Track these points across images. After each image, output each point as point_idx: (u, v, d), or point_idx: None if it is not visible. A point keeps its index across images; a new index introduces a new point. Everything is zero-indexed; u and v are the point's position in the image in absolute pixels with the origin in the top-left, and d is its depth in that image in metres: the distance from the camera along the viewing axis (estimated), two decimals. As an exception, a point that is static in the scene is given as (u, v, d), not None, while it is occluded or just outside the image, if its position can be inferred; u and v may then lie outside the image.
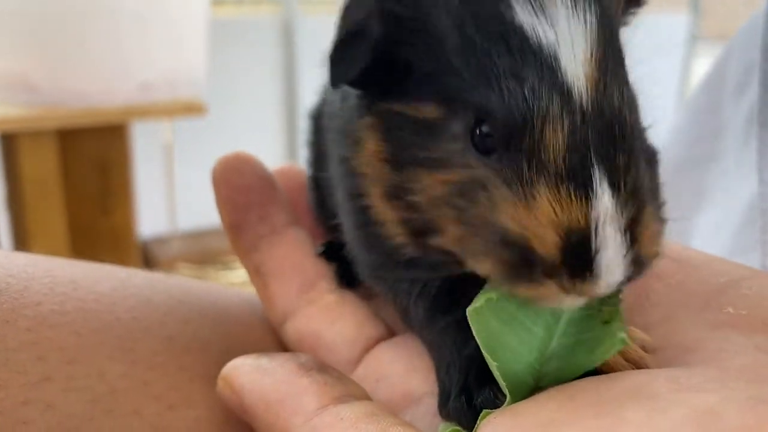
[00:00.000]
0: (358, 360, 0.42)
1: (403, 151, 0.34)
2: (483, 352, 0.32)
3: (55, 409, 0.38)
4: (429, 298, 0.38)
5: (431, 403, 0.36)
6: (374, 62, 0.34)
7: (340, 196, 0.41)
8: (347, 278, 0.46)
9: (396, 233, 0.35)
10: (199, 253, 2.80)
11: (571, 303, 0.31)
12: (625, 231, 0.29)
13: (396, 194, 0.34)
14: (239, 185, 0.46)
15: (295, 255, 0.46)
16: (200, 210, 2.93)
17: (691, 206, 0.56)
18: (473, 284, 0.33)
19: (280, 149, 3.19)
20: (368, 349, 0.42)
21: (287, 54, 3.07)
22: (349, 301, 0.45)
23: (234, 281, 2.64)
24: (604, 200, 0.29)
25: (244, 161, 0.46)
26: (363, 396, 0.37)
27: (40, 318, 0.41)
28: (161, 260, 2.70)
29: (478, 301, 0.33)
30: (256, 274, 0.46)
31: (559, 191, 0.29)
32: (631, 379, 0.31)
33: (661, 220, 0.32)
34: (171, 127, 2.62)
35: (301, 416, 0.34)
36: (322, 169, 0.47)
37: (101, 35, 1.71)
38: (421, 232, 0.34)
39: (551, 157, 0.29)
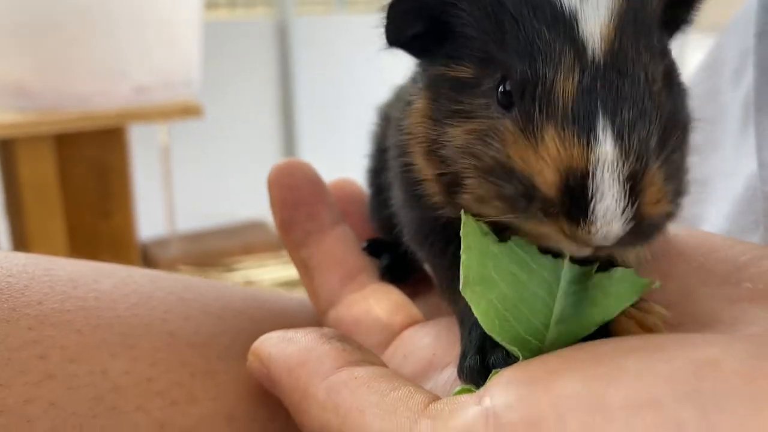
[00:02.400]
0: (390, 342, 0.43)
1: (442, 108, 0.36)
2: (479, 320, 0.34)
3: (58, 407, 0.38)
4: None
5: (453, 371, 0.37)
6: (424, 25, 0.37)
7: (392, 164, 0.44)
8: (389, 273, 0.49)
9: (433, 191, 0.38)
10: (199, 254, 2.80)
11: (573, 249, 0.32)
12: (626, 182, 0.30)
13: (433, 149, 0.37)
14: (290, 185, 0.49)
15: (339, 250, 0.48)
16: (199, 212, 2.94)
17: (694, 195, 0.56)
18: None
19: (276, 150, 3.19)
20: (401, 332, 0.44)
21: (282, 55, 3.07)
22: (387, 291, 0.47)
23: (235, 282, 2.64)
24: (606, 147, 0.30)
25: (295, 166, 0.50)
26: (380, 364, 0.38)
27: (42, 317, 0.41)
28: (161, 262, 2.70)
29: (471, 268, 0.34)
30: (303, 268, 0.48)
31: (564, 134, 0.31)
32: (637, 338, 0.32)
33: (671, 182, 0.32)
34: (168, 130, 2.61)
35: (319, 377, 0.36)
36: (381, 162, 0.49)
37: (95, 39, 1.71)
38: (451, 187, 0.36)
39: (560, 104, 0.31)
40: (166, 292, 0.48)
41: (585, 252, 0.32)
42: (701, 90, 0.63)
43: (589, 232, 0.30)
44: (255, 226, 3.06)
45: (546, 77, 0.32)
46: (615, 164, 0.30)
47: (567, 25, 0.32)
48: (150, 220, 2.66)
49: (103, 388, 0.40)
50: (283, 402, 0.39)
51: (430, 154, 0.37)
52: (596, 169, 0.30)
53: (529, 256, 0.34)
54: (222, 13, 3.03)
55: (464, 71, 0.36)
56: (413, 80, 0.43)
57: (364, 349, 0.39)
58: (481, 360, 0.35)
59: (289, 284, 2.59)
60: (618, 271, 0.34)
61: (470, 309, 0.37)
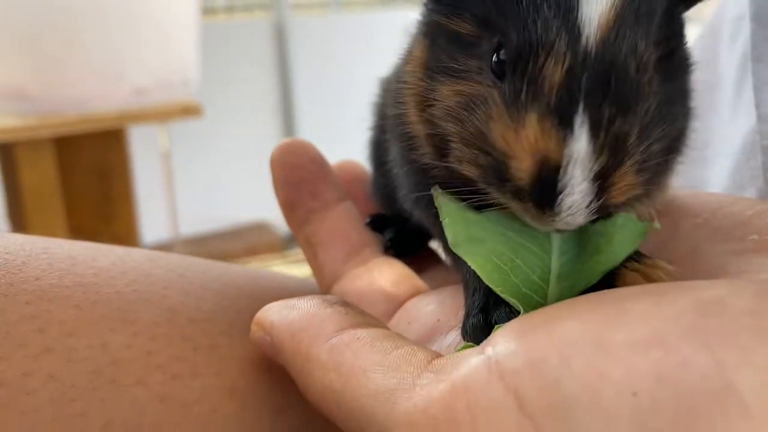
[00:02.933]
0: (394, 312, 0.43)
1: (438, 60, 0.36)
2: (478, 272, 0.34)
3: (57, 380, 0.38)
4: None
5: (458, 334, 0.37)
6: None
7: (388, 124, 0.44)
8: (394, 248, 0.49)
9: (426, 151, 0.38)
10: (203, 257, 2.79)
11: (538, 227, 0.33)
12: (595, 179, 0.30)
13: (424, 104, 0.37)
14: (293, 164, 0.49)
15: (342, 225, 0.48)
16: (202, 214, 2.94)
17: (696, 160, 0.56)
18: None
19: (278, 151, 3.19)
20: (405, 302, 0.44)
21: (280, 55, 3.08)
22: (391, 263, 0.47)
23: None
24: (580, 143, 0.30)
25: (298, 145, 0.49)
26: (383, 327, 0.38)
27: (39, 292, 0.40)
28: (165, 267, 2.70)
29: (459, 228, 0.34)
30: (307, 245, 0.48)
31: (544, 123, 0.31)
32: (640, 286, 0.31)
33: (645, 172, 0.32)
34: (168, 133, 2.61)
35: (322, 339, 0.36)
36: (382, 134, 0.49)
37: (93, 41, 1.72)
38: (440, 148, 0.36)
39: (546, 88, 0.31)
40: (165, 269, 0.48)
41: (549, 230, 0.33)
42: (701, 56, 0.63)
43: (554, 220, 0.31)
44: (258, 228, 3.06)
45: (538, 57, 0.32)
46: (586, 161, 0.30)
47: (567, 6, 0.32)
48: (152, 224, 2.66)
49: (103, 361, 0.40)
50: (286, 369, 0.38)
51: (422, 111, 0.37)
52: (568, 164, 0.30)
53: (513, 217, 0.34)
54: (220, 12, 3.04)
55: (464, 27, 0.35)
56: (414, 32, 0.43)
57: (366, 314, 0.39)
58: (484, 318, 0.35)
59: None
60: (620, 217, 0.34)
61: (472, 273, 0.37)
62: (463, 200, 0.36)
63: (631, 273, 0.35)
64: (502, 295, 0.34)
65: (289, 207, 0.49)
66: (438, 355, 0.33)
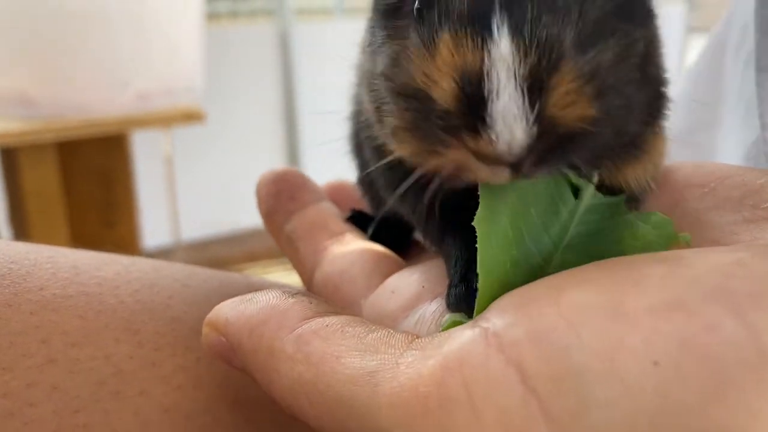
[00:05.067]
0: (376, 288, 0.40)
1: (375, 39, 0.35)
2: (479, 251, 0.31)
3: (60, 391, 0.38)
4: (442, 212, 0.37)
5: (443, 302, 0.35)
6: None
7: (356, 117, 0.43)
8: (377, 242, 0.46)
9: (378, 133, 0.36)
10: (204, 263, 2.78)
11: (490, 174, 0.29)
12: (525, 79, 0.27)
13: (369, 83, 0.35)
14: (273, 181, 0.48)
15: (322, 219, 0.46)
16: (203, 220, 2.94)
17: None
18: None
19: (280, 156, 3.19)
20: (387, 277, 0.41)
21: (284, 62, 3.08)
22: (373, 245, 0.44)
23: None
24: (501, 45, 0.27)
25: (280, 171, 0.49)
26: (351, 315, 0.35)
27: (43, 302, 0.40)
28: (166, 272, 2.70)
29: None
30: (288, 244, 0.46)
31: (457, 37, 0.28)
32: (653, 253, 0.29)
33: (593, 85, 0.28)
34: (170, 138, 2.62)
35: (285, 330, 0.33)
36: (360, 122, 0.47)
37: (97, 47, 1.72)
38: (382, 118, 0.34)
39: (457, 6, 0.29)
40: (170, 279, 0.48)
41: (503, 175, 0.29)
42: (707, 70, 0.63)
43: (490, 141, 0.27)
44: (259, 234, 3.05)
45: None
46: (511, 61, 0.27)
47: None
48: (154, 229, 2.66)
49: (106, 372, 0.40)
50: (246, 370, 0.35)
51: (368, 90, 0.35)
52: (490, 69, 0.27)
53: (550, 188, 0.32)
54: (224, 18, 3.04)
55: None
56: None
57: (331, 303, 0.36)
58: (467, 286, 0.33)
59: (294, 291, 2.59)
60: (656, 216, 0.32)
61: (453, 244, 0.36)
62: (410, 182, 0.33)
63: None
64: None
65: (268, 215, 0.48)
66: (417, 337, 0.30)
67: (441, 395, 0.26)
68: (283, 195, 0.47)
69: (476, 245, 0.32)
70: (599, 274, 0.27)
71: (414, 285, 0.38)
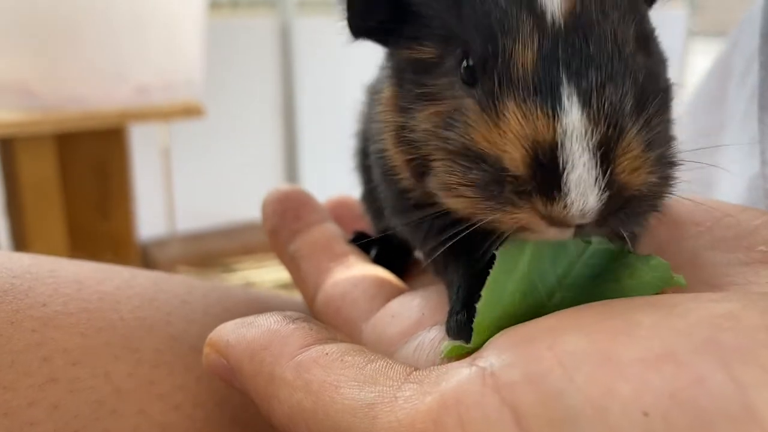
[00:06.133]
0: (377, 311, 0.41)
1: (407, 94, 0.35)
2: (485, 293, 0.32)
3: (61, 410, 0.38)
4: (446, 239, 0.38)
5: (442, 330, 0.36)
6: (386, 9, 0.36)
7: (370, 149, 0.44)
8: (379, 263, 0.47)
9: (404, 177, 0.37)
10: (199, 255, 2.80)
11: (554, 234, 0.30)
12: (597, 149, 0.28)
13: (401, 136, 0.35)
14: (278, 199, 0.49)
15: (326, 239, 0.47)
16: (199, 212, 2.94)
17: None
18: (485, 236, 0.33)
19: (277, 152, 3.19)
20: (388, 301, 0.41)
21: (284, 57, 3.07)
22: (375, 268, 0.45)
23: (234, 283, 2.64)
24: (572, 114, 0.28)
25: (285, 189, 0.50)
26: (351, 342, 0.36)
27: (45, 319, 0.41)
28: (161, 263, 2.70)
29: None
30: (291, 262, 0.47)
31: (525, 106, 0.29)
32: (646, 297, 0.30)
33: (653, 149, 0.30)
34: (168, 131, 2.61)
35: (286, 357, 0.33)
36: (368, 141, 0.48)
37: (97, 38, 1.71)
38: (420, 172, 0.35)
39: (520, 74, 0.29)
40: (169, 294, 0.48)
41: (567, 235, 0.30)
42: (708, 95, 0.63)
43: (564, 206, 0.28)
44: (255, 227, 3.05)
45: (505, 49, 0.30)
46: (583, 132, 0.28)
47: None
48: (150, 220, 2.66)
49: (105, 391, 0.40)
50: (246, 393, 0.36)
51: (399, 142, 0.36)
52: (564, 139, 0.28)
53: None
54: (224, 13, 3.03)
55: (426, 52, 0.34)
56: (382, 69, 0.42)
57: (331, 329, 0.37)
58: (468, 314, 0.33)
59: (288, 286, 2.59)
60: (655, 259, 0.33)
61: (456, 272, 0.37)
62: (448, 226, 0.34)
63: None
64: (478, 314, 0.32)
65: (273, 234, 0.48)
66: (416, 369, 0.31)
67: None
68: (288, 214, 0.48)
69: (482, 272, 0.33)
70: (594, 319, 0.28)
71: (414, 311, 0.39)
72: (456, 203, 0.32)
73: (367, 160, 0.49)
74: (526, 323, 0.30)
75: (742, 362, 0.23)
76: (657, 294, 0.33)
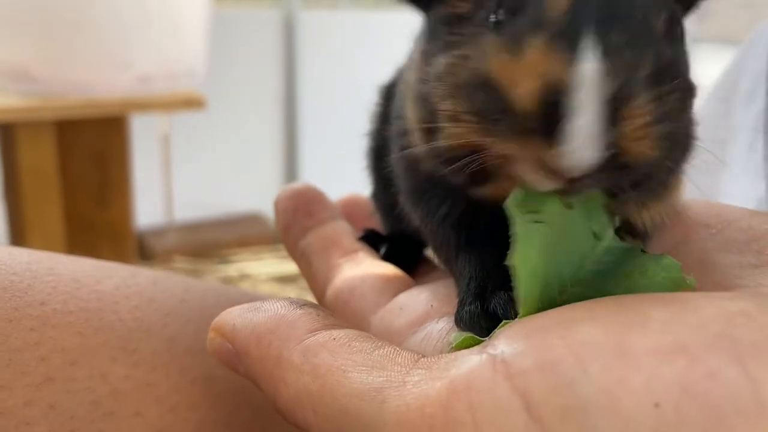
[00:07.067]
0: (385, 305, 0.41)
1: (435, 47, 0.35)
2: (516, 261, 0.31)
3: (57, 411, 0.38)
4: (458, 228, 0.38)
5: (450, 321, 0.36)
6: None
7: (391, 131, 0.43)
8: (389, 261, 0.47)
9: (416, 141, 0.36)
10: (196, 245, 2.81)
11: (544, 181, 0.30)
12: (608, 103, 0.28)
13: (419, 90, 0.35)
14: (290, 195, 0.49)
15: (336, 235, 0.47)
16: (197, 203, 2.94)
17: None
18: (499, 221, 0.33)
19: (277, 146, 3.19)
20: (397, 294, 0.41)
21: (287, 49, 3.07)
22: (384, 264, 0.45)
23: (230, 274, 2.64)
24: (591, 63, 0.28)
25: (298, 186, 0.50)
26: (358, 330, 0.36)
27: (44, 318, 0.41)
28: (157, 252, 2.70)
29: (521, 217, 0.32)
30: (302, 258, 0.47)
31: (547, 47, 0.29)
32: (660, 293, 0.30)
33: (662, 126, 0.29)
34: (169, 120, 2.61)
35: (294, 341, 0.33)
36: (380, 140, 0.48)
37: (101, 26, 1.71)
38: (430, 129, 0.34)
39: (549, 18, 0.29)
40: (168, 294, 0.48)
41: (557, 184, 0.30)
42: (714, 110, 0.63)
43: (560, 153, 0.28)
44: (252, 219, 3.06)
45: (531, 2, 0.30)
46: (598, 82, 0.28)
47: None
48: (148, 209, 2.66)
49: (102, 392, 0.40)
50: (251, 378, 0.36)
51: (416, 98, 0.36)
52: (577, 85, 0.28)
53: (576, 226, 0.33)
54: (228, 4, 3.03)
55: (462, 6, 0.34)
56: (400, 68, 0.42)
57: (338, 317, 0.38)
58: (481, 305, 0.33)
59: (284, 278, 2.60)
60: (667, 259, 0.33)
61: (467, 263, 0.37)
62: (455, 185, 0.34)
63: None
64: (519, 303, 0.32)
65: (285, 231, 0.48)
66: (423, 356, 0.31)
67: (446, 417, 0.27)
68: (300, 211, 0.48)
69: (494, 265, 0.33)
70: (608, 311, 0.28)
71: (422, 303, 0.39)
72: (454, 131, 0.31)
73: (378, 159, 0.49)
74: (537, 315, 0.30)
75: (755, 358, 0.23)
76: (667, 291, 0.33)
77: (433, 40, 0.36)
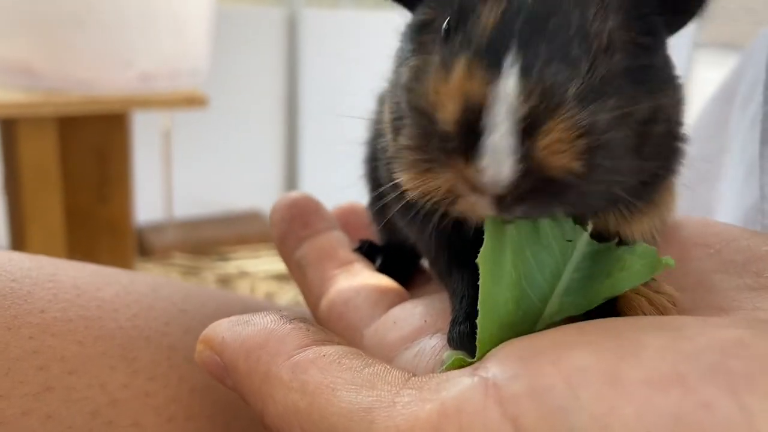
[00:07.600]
0: (379, 318, 0.41)
1: (404, 52, 0.37)
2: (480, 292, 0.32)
3: (55, 421, 0.38)
4: (449, 245, 0.39)
5: (443, 338, 0.36)
6: None
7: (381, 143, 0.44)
8: (384, 272, 0.47)
9: (392, 156, 0.36)
10: (195, 242, 2.80)
11: (478, 207, 0.30)
12: (522, 119, 0.28)
13: (392, 95, 0.37)
14: (286, 204, 0.49)
15: (332, 246, 0.47)
16: (197, 200, 2.93)
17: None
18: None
19: (278, 145, 3.18)
20: (391, 307, 0.41)
21: (290, 47, 3.06)
22: (379, 276, 0.45)
23: (229, 272, 2.64)
24: (508, 81, 0.28)
25: (294, 196, 0.50)
26: (348, 346, 0.36)
27: (44, 326, 0.41)
28: (157, 248, 2.70)
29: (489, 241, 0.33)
30: (297, 269, 0.47)
31: (470, 67, 0.29)
32: (653, 317, 0.30)
33: (588, 140, 0.29)
34: (170, 117, 2.61)
35: (282, 356, 0.33)
36: (377, 149, 0.48)
37: (104, 23, 1.70)
38: (395, 135, 0.35)
39: (479, 33, 0.30)
40: (167, 302, 0.48)
41: (486, 207, 0.30)
42: (713, 120, 0.63)
43: (478, 170, 0.28)
44: (251, 217, 3.06)
45: (475, 11, 0.31)
46: (513, 99, 0.28)
47: None
48: (147, 205, 2.66)
49: (101, 401, 0.40)
50: (238, 392, 0.35)
51: (391, 99, 0.37)
52: (493, 104, 0.28)
53: (545, 231, 0.33)
54: (232, 1, 3.02)
55: (427, 14, 0.36)
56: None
57: (328, 332, 0.37)
58: (471, 325, 0.33)
59: (281, 277, 2.59)
60: (641, 246, 0.33)
61: (460, 280, 0.37)
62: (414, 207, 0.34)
63: (635, 297, 0.33)
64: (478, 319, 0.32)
65: (281, 241, 0.48)
66: (413, 375, 0.31)
67: None
68: (296, 221, 0.48)
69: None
70: (600, 336, 0.28)
71: (416, 318, 0.39)
72: (402, 171, 0.32)
73: (374, 169, 0.49)
74: (530, 336, 0.30)
75: (749, 389, 0.23)
76: (647, 281, 0.33)
77: (406, 45, 0.37)
